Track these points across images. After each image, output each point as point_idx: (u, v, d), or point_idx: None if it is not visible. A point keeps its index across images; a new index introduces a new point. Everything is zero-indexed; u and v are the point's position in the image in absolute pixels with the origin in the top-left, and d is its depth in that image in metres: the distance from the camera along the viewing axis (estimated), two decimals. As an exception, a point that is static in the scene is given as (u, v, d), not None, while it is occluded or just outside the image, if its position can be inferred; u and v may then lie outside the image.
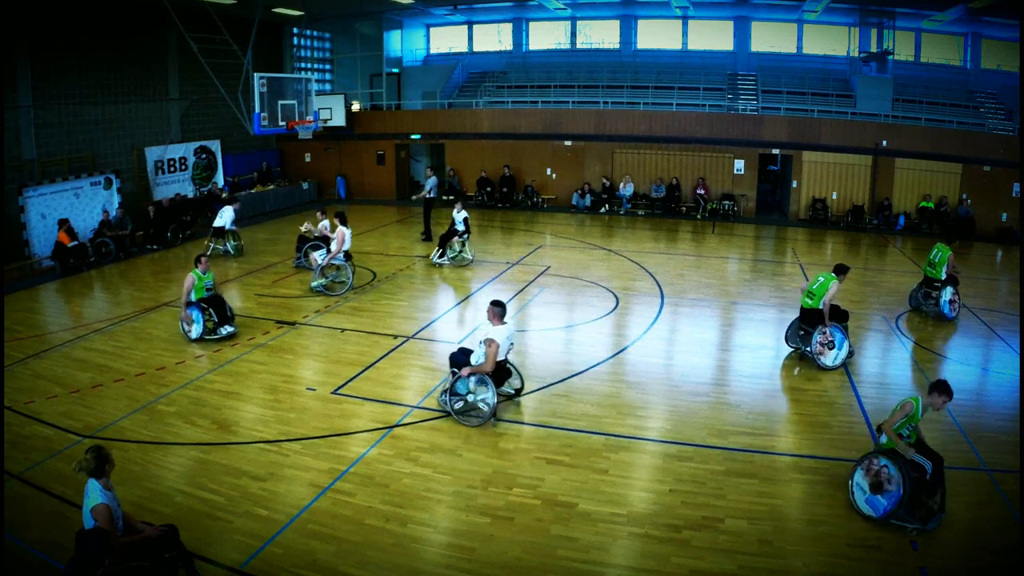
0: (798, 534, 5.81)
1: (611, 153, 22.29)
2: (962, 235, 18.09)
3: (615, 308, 12.03)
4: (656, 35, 25.29)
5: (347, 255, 12.84)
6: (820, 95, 21.67)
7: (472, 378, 7.63)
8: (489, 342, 7.43)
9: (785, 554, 5.54)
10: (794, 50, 24.41)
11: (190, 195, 19.73)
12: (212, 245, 15.96)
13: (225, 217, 15.85)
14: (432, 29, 28.07)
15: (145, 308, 11.94)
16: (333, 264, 12.82)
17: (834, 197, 20.74)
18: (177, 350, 9.88)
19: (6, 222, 14.65)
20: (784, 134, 20.81)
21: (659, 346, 10.38)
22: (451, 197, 21.29)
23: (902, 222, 19.85)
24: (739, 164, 21.37)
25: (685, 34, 25.04)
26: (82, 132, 17.38)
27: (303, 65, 25.85)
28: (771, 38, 24.31)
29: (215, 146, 20.94)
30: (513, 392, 8.28)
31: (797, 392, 8.80)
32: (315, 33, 26.22)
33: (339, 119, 22.17)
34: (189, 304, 10.10)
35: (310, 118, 16.84)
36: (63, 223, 14.90)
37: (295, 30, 25.14)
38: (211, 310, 10.19)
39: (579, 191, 22.21)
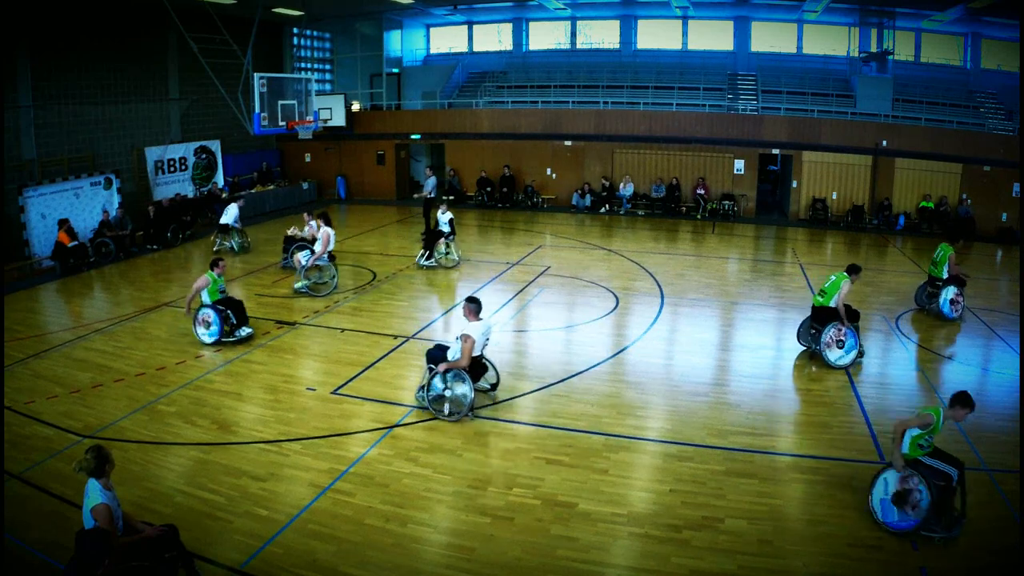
0: (798, 534, 5.81)
1: (611, 153, 22.28)
2: (962, 235, 18.12)
3: (615, 308, 12.03)
4: (656, 35, 25.27)
5: (330, 256, 12.82)
6: (820, 95, 21.66)
7: (449, 373, 7.71)
8: (465, 338, 7.56)
9: (785, 554, 5.54)
10: (794, 50, 24.40)
11: (190, 195, 19.74)
12: (219, 241, 16.09)
13: (230, 214, 15.99)
14: (432, 29, 28.06)
15: (145, 308, 11.94)
16: (316, 265, 12.80)
17: (834, 197, 20.74)
18: (177, 350, 9.88)
19: (6, 222, 14.64)
20: (784, 134, 20.80)
21: (659, 346, 10.38)
22: (451, 197, 21.32)
23: (902, 222, 19.84)
24: (739, 164, 21.36)
25: (685, 34, 25.02)
26: (82, 132, 17.38)
27: (303, 65, 25.85)
28: (771, 38, 24.30)
29: (215, 146, 20.94)
30: (489, 387, 8.39)
31: (797, 392, 8.82)
32: (315, 33, 26.21)
33: (339, 119, 22.18)
34: (205, 306, 10.00)
35: (310, 118, 16.82)
36: (63, 223, 14.92)
37: (295, 30, 25.14)
38: (229, 312, 10.14)
39: (579, 191, 22.20)
